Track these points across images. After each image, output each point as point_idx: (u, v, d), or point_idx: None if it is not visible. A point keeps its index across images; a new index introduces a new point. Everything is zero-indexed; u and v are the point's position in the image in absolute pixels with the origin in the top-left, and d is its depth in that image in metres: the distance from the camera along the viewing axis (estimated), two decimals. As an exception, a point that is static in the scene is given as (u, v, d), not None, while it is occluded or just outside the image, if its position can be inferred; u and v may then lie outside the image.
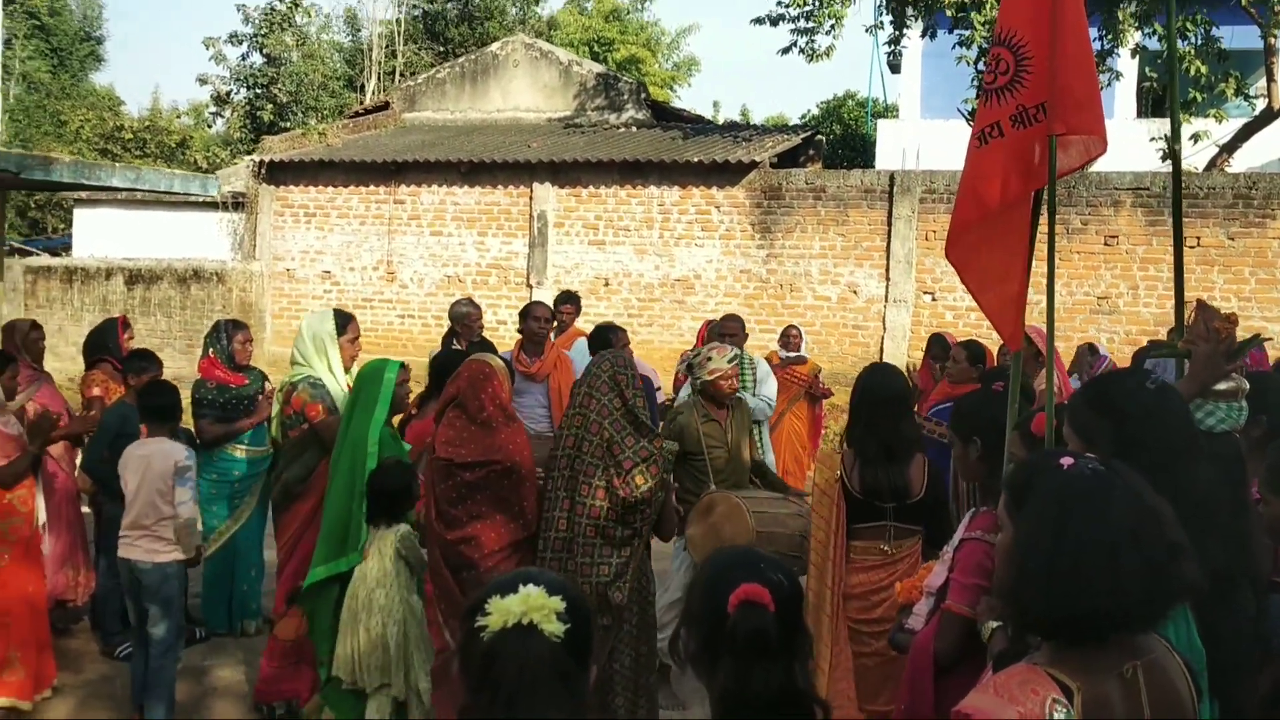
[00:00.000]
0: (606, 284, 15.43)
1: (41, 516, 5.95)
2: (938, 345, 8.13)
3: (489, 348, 8.04)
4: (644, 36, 35.90)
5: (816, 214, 14.53)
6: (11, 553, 5.76)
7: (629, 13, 36.88)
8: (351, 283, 16.56)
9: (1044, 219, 3.30)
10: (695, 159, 14.82)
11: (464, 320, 7.89)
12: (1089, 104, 3.15)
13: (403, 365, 5.27)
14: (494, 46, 19.47)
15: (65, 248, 20.60)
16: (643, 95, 18.45)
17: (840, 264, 14.47)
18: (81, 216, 19.63)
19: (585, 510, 4.47)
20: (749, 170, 14.76)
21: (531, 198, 15.73)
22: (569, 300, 8.99)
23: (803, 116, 30.19)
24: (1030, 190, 3.21)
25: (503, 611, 1.76)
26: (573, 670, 1.75)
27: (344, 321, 5.69)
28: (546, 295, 12.93)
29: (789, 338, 9.37)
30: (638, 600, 4.62)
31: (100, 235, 18.97)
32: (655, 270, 15.23)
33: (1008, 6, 3.26)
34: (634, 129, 17.64)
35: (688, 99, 32.61)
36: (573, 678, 1.75)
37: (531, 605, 1.75)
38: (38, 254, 19.52)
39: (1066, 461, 1.97)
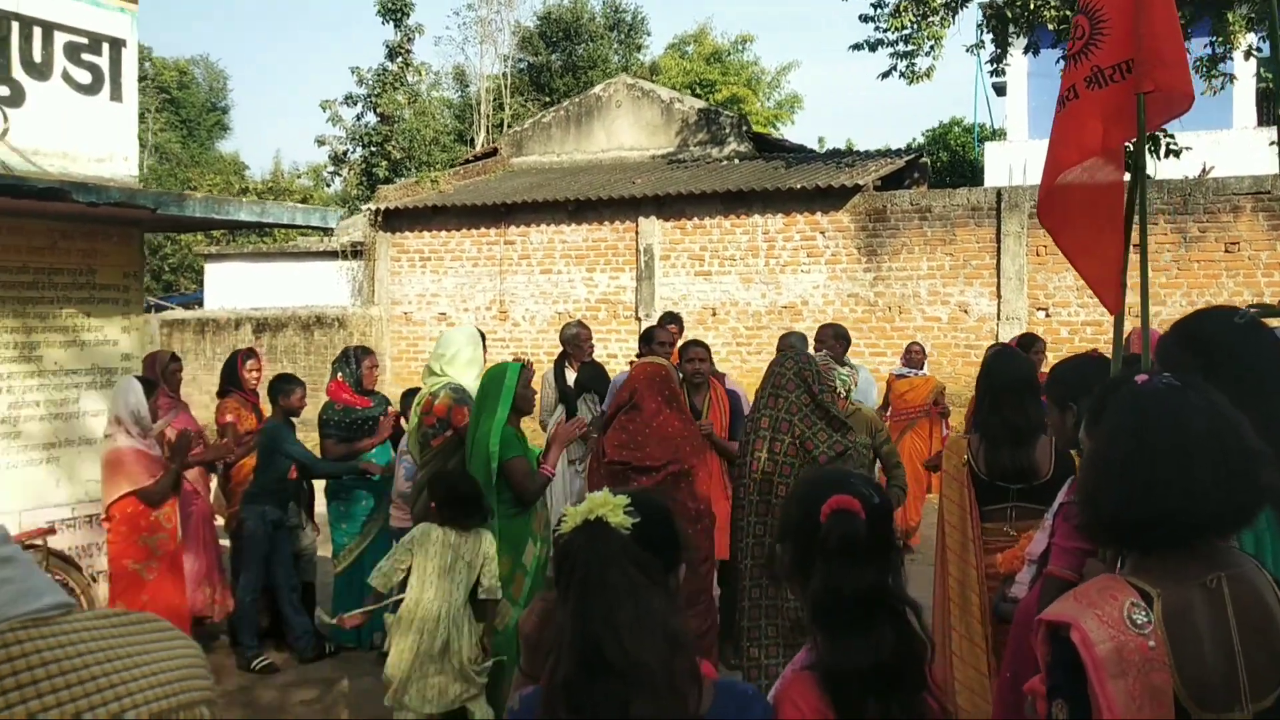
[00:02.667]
0: (714, 313, 15.55)
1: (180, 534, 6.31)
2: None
3: (599, 369, 8.22)
4: (745, 76, 36.22)
5: (923, 235, 14.44)
6: (159, 566, 6.13)
7: (729, 54, 37.28)
8: (466, 323, 17.02)
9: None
10: (798, 185, 14.89)
11: (575, 341, 8.08)
12: (1175, 63, 3.17)
13: (525, 366, 5.30)
14: (597, 89, 19.92)
15: (198, 303, 21.64)
16: (744, 128, 18.63)
17: (949, 284, 14.33)
18: (211, 271, 20.64)
19: (774, 508, 4.48)
20: (853, 194, 14.76)
21: (637, 232, 15.98)
22: (673, 320, 9.13)
23: (908, 144, 29.98)
24: (1108, 147, 3.23)
25: (574, 514, 1.93)
26: (647, 559, 1.88)
27: (481, 338, 5.84)
28: (655, 325, 13.07)
29: (911, 354, 9.33)
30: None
31: (229, 288, 19.91)
32: (762, 298, 15.30)
33: (1089, -28, 3.30)
34: (736, 161, 17.81)
35: (791, 136, 32.64)
36: (647, 566, 1.86)
37: (597, 504, 1.89)
38: (172, 308, 20.53)
39: (1141, 378, 2.01)
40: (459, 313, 17.10)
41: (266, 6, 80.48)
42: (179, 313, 19.11)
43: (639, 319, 15.73)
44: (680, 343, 7.65)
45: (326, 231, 12.73)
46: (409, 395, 6.79)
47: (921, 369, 9.22)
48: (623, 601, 1.79)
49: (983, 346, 13.98)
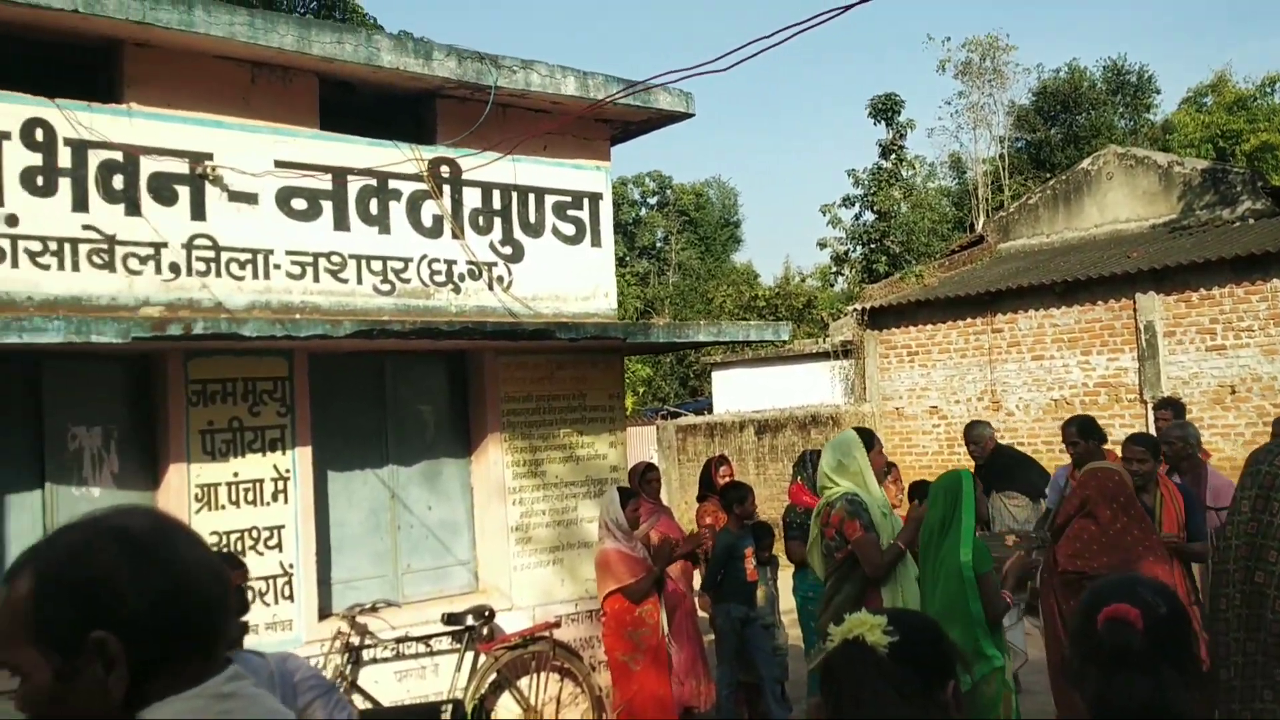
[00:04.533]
0: (1232, 391, 14.05)
1: (665, 629, 6.96)
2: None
3: (1014, 459, 7.97)
4: (1278, 121, 32.52)
5: None
6: (644, 659, 6.81)
7: (1255, 99, 33.72)
8: (958, 415, 16.79)
9: None
10: (1325, 242, 13.18)
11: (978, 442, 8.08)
12: None
13: (973, 475, 5.20)
14: (1084, 163, 19.05)
15: (708, 408, 23.36)
16: (1259, 184, 16.81)
17: None
18: (718, 377, 22.27)
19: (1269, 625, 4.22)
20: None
21: (1135, 309, 14.95)
22: (1167, 405, 8.51)
23: None
24: None
25: (836, 633, 2.10)
26: (905, 678, 1.99)
27: (869, 438, 5.77)
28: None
29: None
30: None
31: (734, 392, 21.33)
32: (1292, 371, 13.61)
33: None
34: (1250, 221, 16.10)
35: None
36: (904, 684, 1.98)
37: (856, 623, 2.04)
38: (685, 414, 22.36)
39: None
40: (950, 405, 16.94)
41: (768, 124, 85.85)
42: (691, 418, 20.78)
43: (1144, 401, 14.62)
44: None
45: (783, 344, 13.35)
46: (919, 487, 6.93)
47: None
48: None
49: None
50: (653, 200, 46.38)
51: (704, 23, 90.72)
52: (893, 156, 28.49)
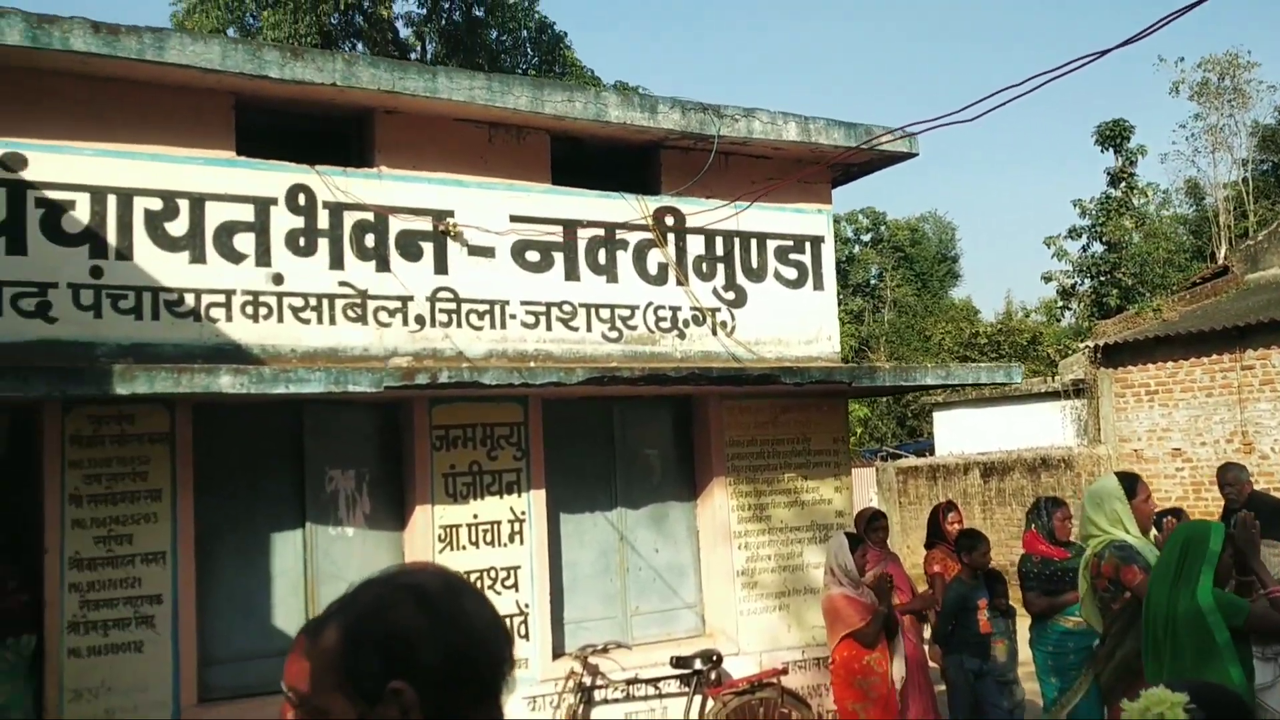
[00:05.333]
0: None
1: (899, 678, 6.79)
2: None
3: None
4: None
5: None
6: (872, 709, 6.68)
7: None
8: (1204, 458, 15.74)
9: None
10: None
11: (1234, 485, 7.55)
12: None
13: (1228, 532, 4.83)
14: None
15: (929, 449, 22.73)
16: None
17: None
18: (940, 418, 21.65)
19: None
20: None
21: None
22: None
23: None
24: None
25: (1131, 709, 1.99)
26: None
27: (1131, 483, 5.45)
28: None
29: None
30: None
31: (956, 433, 20.68)
32: None
33: None
34: None
35: None
36: None
37: (1154, 700, 1.93)
38: (906, 455, 21.83)
39: None
40: (1194, 447, 15.90)
41: (985, 154, 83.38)
42: (912, 460, 20.27)
43: None
44: None
45: (1012, 384, 12.85)
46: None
47: None
48: None
49: None
50: (866, 237, 45.75)
51: (922, 64, 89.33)
52: (1123, 184, 27.17)
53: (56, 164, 5.96)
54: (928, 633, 7.84)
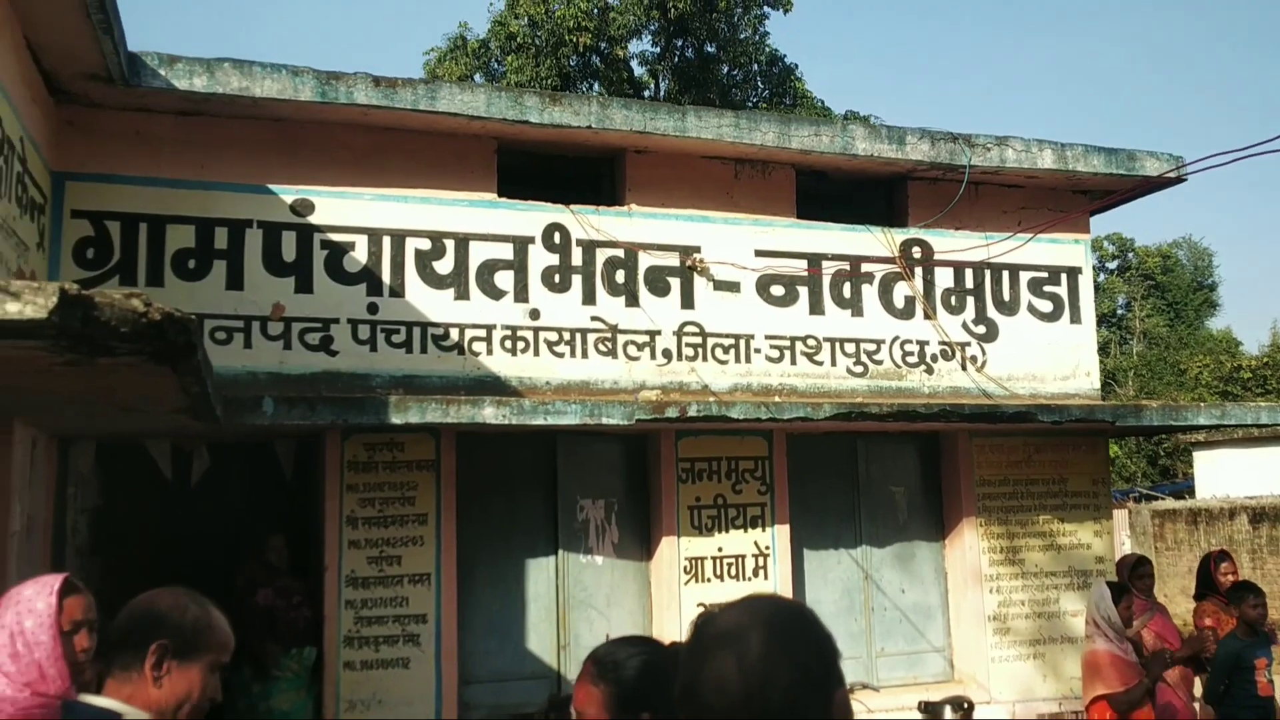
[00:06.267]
0: None
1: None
2: None
3: None
4: None
5: None
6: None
7: None
8: None
9: None
10: None
11: None
12: None
13: None
14: None
15: (1189, 491, 21.23)
16: None
17: None
18: (1201, 458, 20.18)
19: None
20: None
21: None
22: None
23: None
24: None
25: None
26: None
27: None
28: None
29: None
30: None
31: (1221, 475, 19.22)
32: None
33: None
34: None
35: None
36: None
37: None
38: (1163, 499, 20.46)
39: None
40: None
41: (1245, 174, 77.42)
42: (1169, 503, 18.99)
43: None
44: None
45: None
46: None
47: None
48: None
49: None
50: (1112, 265, 43.42)
51: (1191, 90, 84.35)
52: None
53: (339, 208, 6.43)
54: (1198, 689, 7.31)
